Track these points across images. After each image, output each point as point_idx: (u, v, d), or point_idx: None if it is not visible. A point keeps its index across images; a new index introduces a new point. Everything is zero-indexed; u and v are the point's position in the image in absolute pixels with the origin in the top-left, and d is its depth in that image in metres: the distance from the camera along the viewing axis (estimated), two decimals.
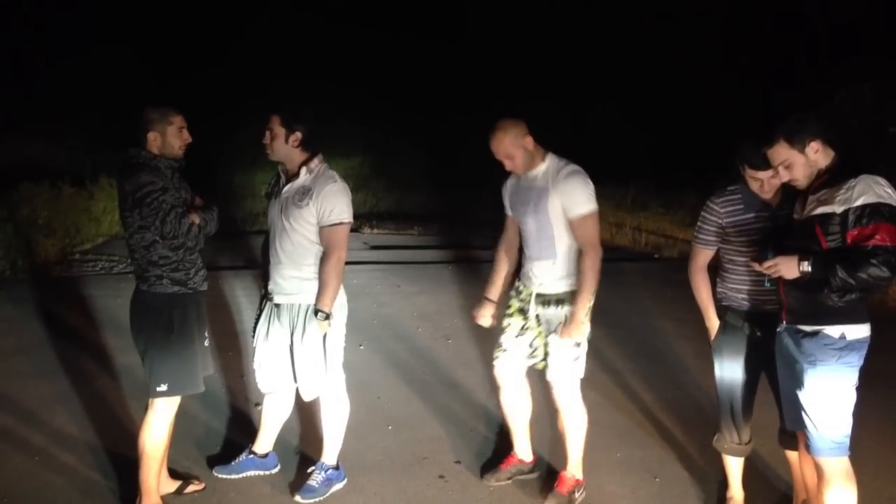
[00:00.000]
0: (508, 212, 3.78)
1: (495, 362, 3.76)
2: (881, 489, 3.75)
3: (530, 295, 3.61)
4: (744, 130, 3.45)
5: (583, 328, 3.48)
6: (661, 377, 5.47)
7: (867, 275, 2.67)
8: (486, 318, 3.86)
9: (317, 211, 3.44)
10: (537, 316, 3.60)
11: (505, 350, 3.72)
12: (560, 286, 3.54)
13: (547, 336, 3.57)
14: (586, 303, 3.46)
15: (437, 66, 17.73)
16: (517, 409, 3.83)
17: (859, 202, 2.71)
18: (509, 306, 3.73)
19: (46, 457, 3.96)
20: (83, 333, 6.08)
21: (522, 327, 3.66)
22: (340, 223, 3.46)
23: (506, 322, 3.73)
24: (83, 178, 11.41)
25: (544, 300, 3.57)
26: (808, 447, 2.96)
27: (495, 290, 3.83)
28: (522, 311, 3.66)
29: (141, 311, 3.35)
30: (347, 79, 17.27)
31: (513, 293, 3.75)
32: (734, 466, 3.55)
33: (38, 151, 13.29)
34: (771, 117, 3.19)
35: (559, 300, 3.54)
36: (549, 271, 3.54)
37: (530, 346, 3.67)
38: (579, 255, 3.51)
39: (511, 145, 3.46)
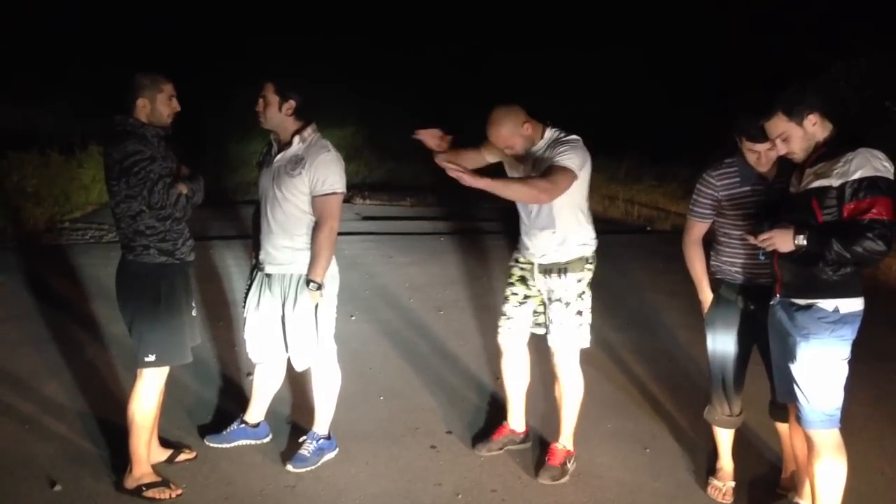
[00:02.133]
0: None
1: (500, 330, 3.77)
2: (871, 462, 3.78)
3: (531, 265, 3.61)
4: (739, 102, 3.42)
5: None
6: (652, 349, 5.48)
7: (862, 248, 2.66)
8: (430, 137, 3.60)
9: (309, 180, 3.41)
10: (539, 285, 3.61)
11: (510, 318, 3.73)
12: (562, 255, 3.53)
13: (549, 304, 3.58)
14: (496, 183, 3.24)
15: (431, 35, 17.53)
16: (516, 377, 3.84)
17: (856, 175, 2.70)
18: (511, 275, 3.73)
19: (37, 425, 3.95)
20: (73, 302, 6.05)
21: (525, 295, 3.67)
22: (333, 193, 3.43)
23: (508, 291, 3.73)
24: (72, 145, 11.27)
25: (546, 269, 3.56)
26: (799, 419, 2.97)
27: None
28: (524, 280, 3.66)
29: (128, 281, 3.32)
30: (340, 48, 17.06)
31: (513, 263, 3.74)
32: (724, 438, 3.57)
33: (26, 118, 13.11)
34: (766, 90, 3.17)
35: (561, 269, 3.53)
36: (550, 241, 3.52)
37: (534, 313, 3.69)
38: (586, 219, 3.54)
39: (509, 136, 3.42)
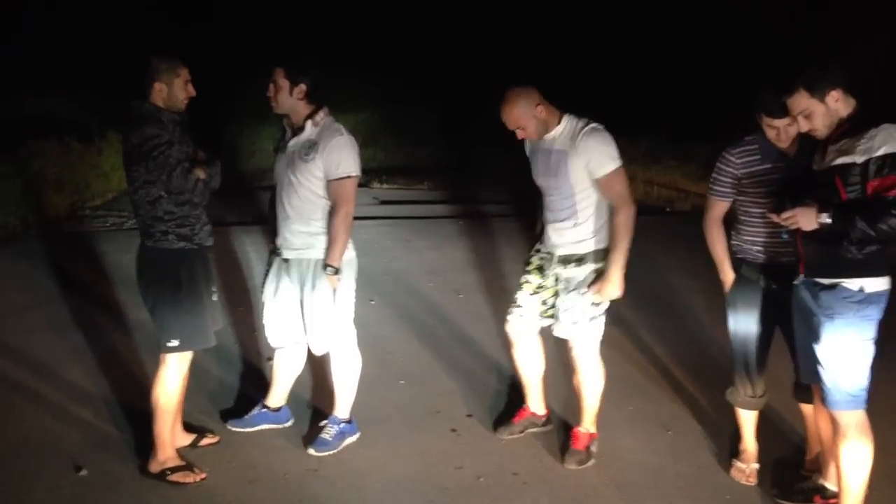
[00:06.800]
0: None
1: (509, 318, 3.74)
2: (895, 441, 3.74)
3: (551, 255, 3.57)
4: (759, 79, 3.36)
5: (616, 286, 3.41)
6: (673, 330, 5.45)
7: (888, 226, 2.61)
8: None
9: (323, 165, 3.40)
10: (556, 275, 3.56)
11: (520, 306, 3.69)
12: (582, 248, 3.48)
13: (566, 294, 3.53)
14: (621, 260, 3.38)
15: (447, 18, 17.42)
16: (529, 365, 3.82)
17: (881, 152, 2.64)
18: (529, 263, 3.70)
19: (61, 411, 4.00)
20: (95, 289, 6.10)
21: (539, 286, 3.64)
22: (348, 177, 3.42)
23: (524, 279, 3.70)
24: (91, 133, 11.32)
25: (565, 260, 3.52)
26: (823, 400, 2.94)
27: None
28: (541, 269, 3.63)
29: (148, 267, 3.34)
30: (356, 32, 16.99)
31: (533, 252, 3.71)
32: (747, 419, 3.54)
33: (46, 106, 13.19)
34: (786, 65, 3.11)
35: (579, 259, 3.49)
36: (571, 234, 3.48)
37: (544, 304, 3.65)
38: (609, 212, 3.44)
39: (520, 117, 3.38)
